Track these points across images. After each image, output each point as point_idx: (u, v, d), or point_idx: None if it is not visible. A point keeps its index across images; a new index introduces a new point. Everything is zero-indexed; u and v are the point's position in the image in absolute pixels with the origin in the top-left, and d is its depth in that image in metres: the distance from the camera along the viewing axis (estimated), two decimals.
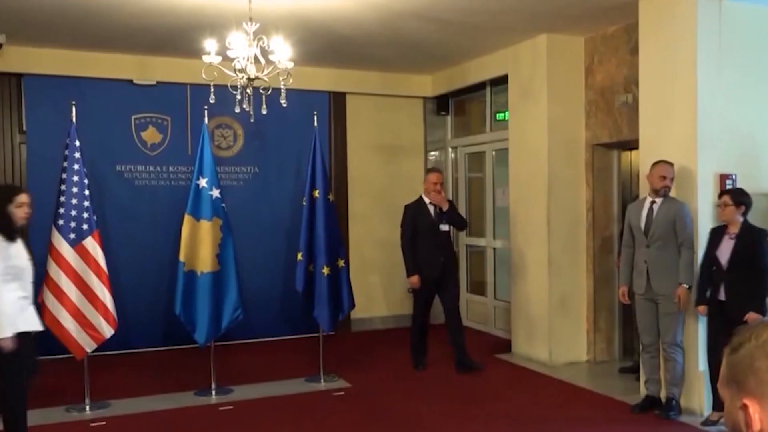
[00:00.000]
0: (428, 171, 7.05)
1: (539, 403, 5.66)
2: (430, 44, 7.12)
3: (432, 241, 6.54)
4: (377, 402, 5.76)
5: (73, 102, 5.75)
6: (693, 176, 5.22)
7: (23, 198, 4.41)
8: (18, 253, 4.34)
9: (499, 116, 8.13)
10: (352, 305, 6.54)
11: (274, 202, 8.04)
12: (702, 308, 5.08)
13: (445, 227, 6.61)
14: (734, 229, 4.93)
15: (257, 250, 7.76)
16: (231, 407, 5.65)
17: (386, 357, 7.29)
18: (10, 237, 4.29)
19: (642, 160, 5.61)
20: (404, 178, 8.94)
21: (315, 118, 6.45)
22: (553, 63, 6.76)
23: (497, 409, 5.52)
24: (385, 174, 8.85)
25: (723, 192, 5.07)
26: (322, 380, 6.34)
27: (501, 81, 7.63)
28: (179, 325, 6.10)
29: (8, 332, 4.15)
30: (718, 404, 4.90)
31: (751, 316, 4.72)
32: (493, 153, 8.30)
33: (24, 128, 7.20)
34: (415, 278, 6.56)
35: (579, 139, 6.87)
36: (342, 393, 6.04)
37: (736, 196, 4.93)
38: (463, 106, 9.13)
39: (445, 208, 6.60)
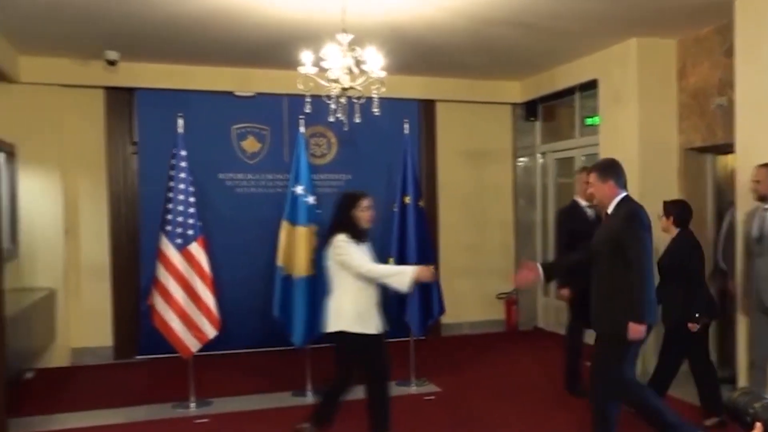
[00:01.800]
0: (579, 171, 6.40)
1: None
2: (519, 50, 7.15)
3: None
4: (467, 406, 5.83)
5: (180, 114, 6.00)
6: None
7: (366, 202, 4.71)
8: (363, 255, 4.65)
9: (588, 121, 8.08)
10: (442, 310, 6.58)
11: None
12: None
13: None
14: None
15: None
16: None
17: (476, 362, 7.35)
18: (358, 239, 4.61)
19: (739, 164, 5.46)
20: (493, 185, 9.01)
21: (406, 125, 6.57)
22: (644, 67, 6.68)
23: (587, 415, 5.48)
24: (473, 180, 8.91)
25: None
26: (413, 384, 6.43)
27: (590, 86, 7.58)
28: (277, 327, 6.26)
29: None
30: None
31: None
32: (583, 158, 8.22)
33: (135, 139, 7.66)
34: (565, 290, 6.02)
35: (671, 144, 6.75)
36: (433, 397, 6.12)
37: (667, 207, 4.94)
38: (552, 111, 9.09)
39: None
